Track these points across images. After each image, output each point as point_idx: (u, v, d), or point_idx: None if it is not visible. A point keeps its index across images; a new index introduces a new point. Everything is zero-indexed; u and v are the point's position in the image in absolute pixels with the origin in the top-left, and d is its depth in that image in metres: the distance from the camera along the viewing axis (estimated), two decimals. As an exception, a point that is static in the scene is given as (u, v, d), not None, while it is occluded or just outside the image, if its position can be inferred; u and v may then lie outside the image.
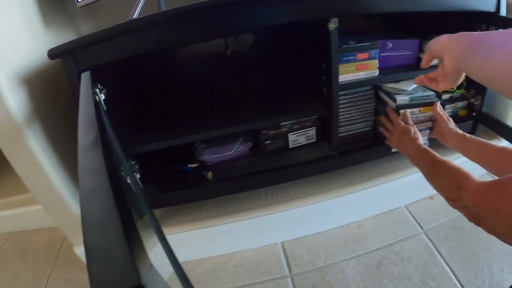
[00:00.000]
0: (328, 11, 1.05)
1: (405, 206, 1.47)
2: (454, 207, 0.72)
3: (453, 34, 0.67)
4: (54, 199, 1.24)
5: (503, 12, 1.35)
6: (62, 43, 0.97)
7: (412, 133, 1.04)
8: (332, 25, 1.06)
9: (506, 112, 1.62)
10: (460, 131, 1.05)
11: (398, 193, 1.42)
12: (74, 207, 1.26)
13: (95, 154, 0.50)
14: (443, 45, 0.69)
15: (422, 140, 1.01)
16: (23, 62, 1.08)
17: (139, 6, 1.16)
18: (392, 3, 1.14)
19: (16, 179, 1.45)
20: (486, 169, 0.94)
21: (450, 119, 1.13)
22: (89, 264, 0.29)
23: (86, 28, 1.51)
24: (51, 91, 1.18)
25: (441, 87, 0.78)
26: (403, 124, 1.11)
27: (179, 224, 1.33)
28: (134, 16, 1.15)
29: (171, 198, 1.28)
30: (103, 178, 0.43)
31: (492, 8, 1.32)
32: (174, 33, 0.98)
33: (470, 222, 0.69)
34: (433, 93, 1.23)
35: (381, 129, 1.21)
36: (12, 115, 1.01)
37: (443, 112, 1.16)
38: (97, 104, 0.97)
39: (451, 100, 1.42)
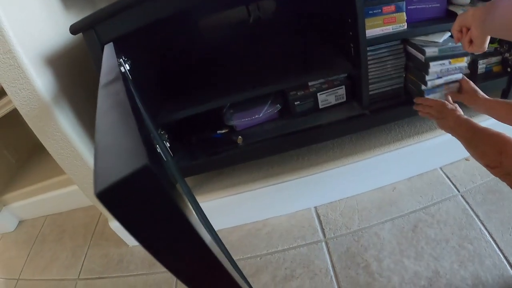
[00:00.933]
0: None
1: (440, 168, 1.43)
2: (496, 175, 0.72)
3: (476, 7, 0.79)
4: (87, 175, 1.27)
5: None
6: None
7: (450, 106, 1.02)
8: None
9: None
10: (484, 95, 1.07)
11: (433, 154, 1.38)
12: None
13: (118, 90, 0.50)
14: (470, 15, 0.80)
15: (461, 112, 0.99)
16: (46, 44, 1.11)
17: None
18: None
19: (50, 164, 1.50)
20: None
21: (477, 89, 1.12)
22: (96, 157, 0.27)
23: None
24: (76, 69, 1.22)
25: (470, 50, 0.86)
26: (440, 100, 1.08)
27: (211, 191, 1.34)
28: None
29: (202, 165, 1.29)
30: (122, 97, 0.43)
31: None
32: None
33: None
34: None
35: (420, 114, 1.16)
36: (40, 95, 1.05)
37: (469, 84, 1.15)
38: (122, 74, 0.99)
39: (484, 55, 1.37)
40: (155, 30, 0.98)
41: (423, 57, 1.18)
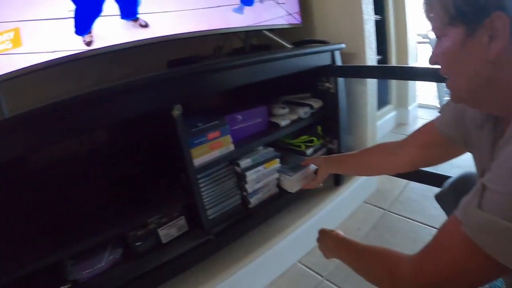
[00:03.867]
0: (170, 99, 1.05)
1: (299, 261, 1.48)
2: None
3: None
4: None
5: (338, 62, 1.51)
6: None
7: (328, 229, 0.97)
8: (176, 112, 1.06)
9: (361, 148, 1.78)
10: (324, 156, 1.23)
11: (286, 251, 1.42)
12: None
13: None
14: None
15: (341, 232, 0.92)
16: None
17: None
18: (235, 80, 1.19)
19: None
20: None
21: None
22: None
23: None
24: None
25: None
26: None
27: None
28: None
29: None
30: None
31: (328, 62, 1.46)
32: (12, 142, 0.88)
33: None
34: (272, 148, 1.38)
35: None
36: None
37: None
38: None
39: (315, 151, 1.51)
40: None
41: (239, 169, 1.28)
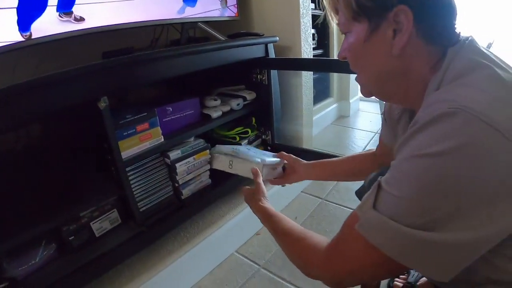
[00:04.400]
0: (95, 90, 1.03)
1: (236, 251, 1.52)
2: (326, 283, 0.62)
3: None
4: None
5: (271, 55, 1.56)
6: None
7: (247, 192, 0.99)
8: (103, 104, 1.04)
9: (297, 140, 1.85)
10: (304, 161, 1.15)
11: (224, 241, 1.46)
12: None
13: None
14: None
15: (265, 197, 0.94)
16: None
17: None
18: (166, 71, 1.20)
19: None
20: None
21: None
22: None
23: None
24: None
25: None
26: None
27: None
28: None
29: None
30: None
31: (262, 54, 1.50)
32: None
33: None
34: (202, 140, 1.39)
35: None
36: None
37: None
38: None
39: (249, 142, 1.56)
40: None
41: (169, 160, 1.29)
